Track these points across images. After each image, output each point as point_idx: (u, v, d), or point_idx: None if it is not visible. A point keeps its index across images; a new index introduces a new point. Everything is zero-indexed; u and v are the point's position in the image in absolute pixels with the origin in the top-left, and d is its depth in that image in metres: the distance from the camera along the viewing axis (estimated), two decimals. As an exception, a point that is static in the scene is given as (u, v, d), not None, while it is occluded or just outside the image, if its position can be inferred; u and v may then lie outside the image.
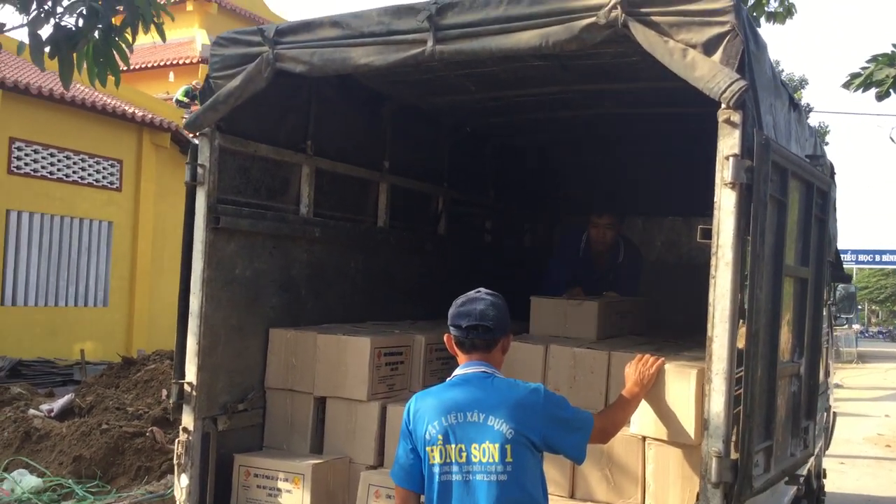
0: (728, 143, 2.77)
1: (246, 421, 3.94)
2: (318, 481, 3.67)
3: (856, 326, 34.20)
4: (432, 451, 2.72)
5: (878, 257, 39.13)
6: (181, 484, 3.64)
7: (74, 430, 7.66)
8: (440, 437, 2.71)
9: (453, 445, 2.69)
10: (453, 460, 2.68)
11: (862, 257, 38.96)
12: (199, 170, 3.61)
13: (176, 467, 3.65)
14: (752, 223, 2.76)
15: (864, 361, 29.42)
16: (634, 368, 3.24)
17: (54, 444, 7.56)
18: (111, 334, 13.94)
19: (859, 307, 53.44)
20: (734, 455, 2.78)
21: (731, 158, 2.75)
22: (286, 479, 3.69)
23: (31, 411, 8.26)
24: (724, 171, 2.77)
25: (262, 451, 3.99)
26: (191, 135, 3.69)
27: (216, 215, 3.63)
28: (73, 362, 12.18)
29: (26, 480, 6.63)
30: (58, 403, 8.50)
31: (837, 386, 18.09)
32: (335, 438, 3.93)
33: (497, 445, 2.65)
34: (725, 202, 2.79)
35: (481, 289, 2.92)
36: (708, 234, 2.86)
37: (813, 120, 26.40)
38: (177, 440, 3.65)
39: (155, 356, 10.06)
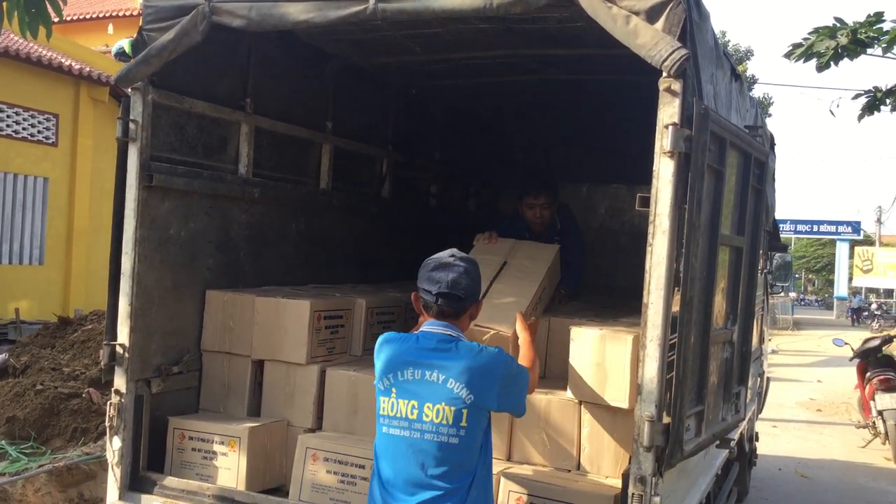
0: (668, 111, 2.78)
1: (181, 383, 3.87)
2: (254, 444, 3.64)
3: (792, 294, 35.21)
4: (384, 401, 2.74)
5: (815, 227, 40.29)
6: (113, 447, 3.58)
7: (8, 391, 7.47)
8: (394, 390, 2.72)
9: (405, 401, 2.68)
10: (403, 416, 2.68)
11: (800, 227, 40.10)
12: (132, 125, 3.48)
13: (108, 430, 3.59)
14: (689, 192, 2.78)
15: (799, 328, 30.40)
16: (522, 325, 3.38)
17: (-14, 405, 7.37)
18: (47, 293, 13.59)
19: (796, 276, 54.99)
20: (666, 419, 2.82)
21: (670, 127, 2.76)
22: (222, 442, 3.66)
23: (-38, 371, 8.03)
24: (663, 140, 2.78)
25: (197, 413, 3.94)
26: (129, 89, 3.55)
27: (149, 173, 3.52)
28: (7, 321, 11.85)
29: (-44, 442, 6.46)
30: (-10, 363, 8.27)
31: (773, 352, 18.67)
32: (273, 402, 3.89)
33: (453, 409, 2.64)
34: (664, 171, 2.80)
35: (455, 252, 2.87)
36: (646, 202, 2.87)
37: (757, 91, 26.78)
38: (109, 402, 3.58)
39: (92, 316, 9.82)
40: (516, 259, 4.07)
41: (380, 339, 2.87)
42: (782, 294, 31.74)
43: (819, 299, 56.04)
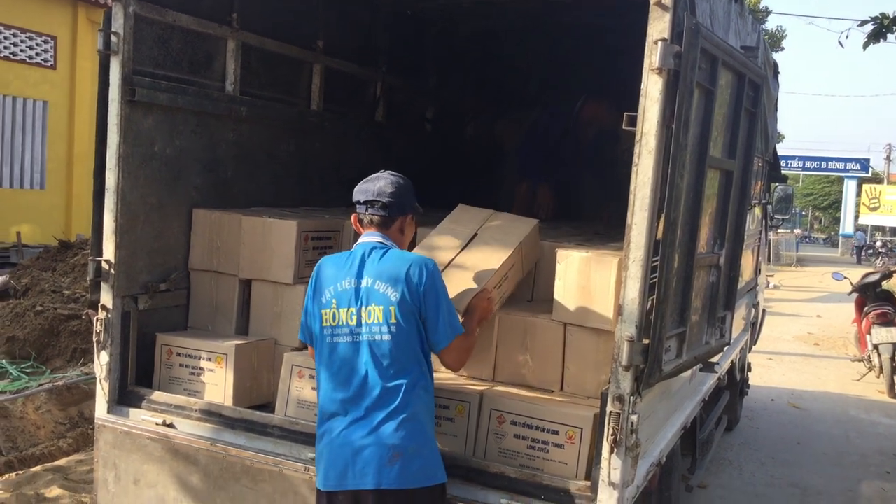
0: (658, 27, 2.70)
1: (169, 301, 3.89)
2: (241, 361, 3.68)
3: (797, 231, 35.09)
4: (326, 314, 2.90)
5: (824, 164, 39.84)
6: (101, 361, 3.62)
7: (8, 312, 7.56)
8: (334, 301, 2.88)
9: (344, 309, 2.85)
10: (344, 323, 2.85)
11: (809, 164, 39.66)
12: (113, 38, 3.41)
13: (95, 345, 3.62)
14: (676, 110, 2.71)
15: (802, 265, 30.36)
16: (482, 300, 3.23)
17: (-13, 325, 7.46)
18: (49, 218, 13.59)
19: (803, 213, 54.67)
20: (646, 340, 2.82)
21: (659, 43, 2.67)
22: (209, 359, 3.69)
23: (-36, 292, 8.11)
24: (652, 57, 2.70)
25: (185, 331, 3.96)
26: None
27: (132, 87, 3.46)
28: (9, 245, 11.91)
29: (-42, 360, 6.56)
30: (-8, 285, 8.35)
31: (774, 287, 18.70)
32: (261, 321, 3.91)
33: (382, 308, 2.80)
34: (651, 89, 2.73)
35: (386, 171, 3.05)
36: (633, 121, 2.81)
37: (770, 23, 26.17)
38: (95, 318, 3.60)
39: (93, 241, 9.86)
40: (488, 232, 3.72)
41: (318, 263, 3.03)
42: (788, 230, 31.64)
43: (825, 237, 55.79)
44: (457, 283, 3.28)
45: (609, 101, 5.14)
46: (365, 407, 2.79)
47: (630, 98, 3.82)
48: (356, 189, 3.00)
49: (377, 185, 2.97)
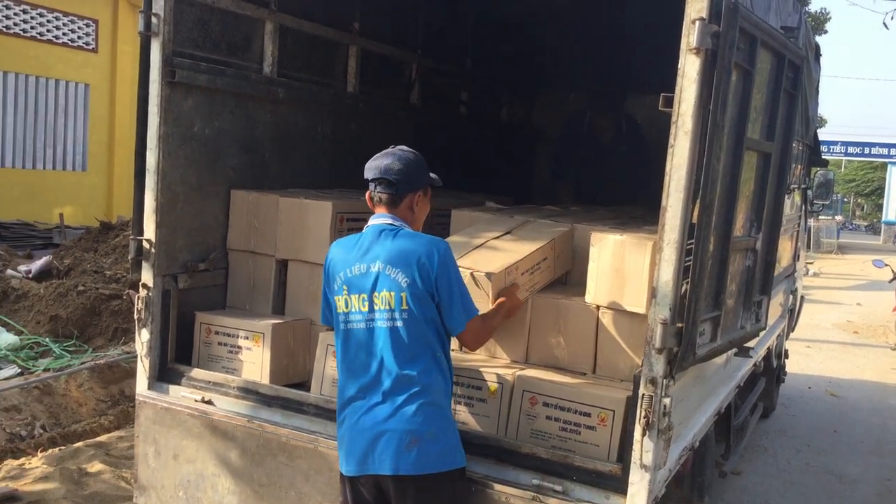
0: (696, 5, 2.66)
1: (208, 280, 3.95)
2: (278, 340, 3.73)
3: (838, 218, 34.39)
4: (339, 300, 2.89)
5: (867, 150, 38.97)
6: (142, 339, 3.70)
7: (52, 291, 7.73)
8: (345, 287, 2.86)
9: (356, 295, 2.83)
10: (356, 309, 2.83)
11: (851, 149, 38.82)
12: (154, 19, 3.46)
13: (136, 322, 3.70)
14: (714, 90, 2.68)
15: (843, 252, 29.82)
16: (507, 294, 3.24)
17: (32, 305, 7.65)
18: (91, 199, 13.83)
19: (845, 200, 53.57)
20: (680, 324, 2.80)
21: (697, 22, 2.64)
22: (247, 338, 3.75)
23: (9, 272, 8.29)
24: (690, 36, 2.66)
25: (224, 310, 4.03)
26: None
27: (172, 68, 3.51)
28: (52, 226, 12.15)
29: (3, 338, 6.73)
30: (36, 265, 8.53)
31: (815, 275, 18.41)
32: (297, 300, 3.96)
33: (393, 294, 2.77)
34: (689, 69, 2.70)
35: (401, 146, 2.97)
36: (670, 102, 2.79)
37: (814, 5, 25.62)
38: (136, 296, 3.67)
39: (133, 222, 10.01)
40: (522, 230, 3.78)
41: (331, 247, 3.02)
42: (829, 217, 31.05)
43: (867, 224, 54.65)
44: (486, 262, 3.30)
45: (612, 111, 5.61)
46: (382, 392, 2.78)
47: (673, 81, 3.79)
48: (366, 166, 2.93)
49: (384, 161, 2.89)
